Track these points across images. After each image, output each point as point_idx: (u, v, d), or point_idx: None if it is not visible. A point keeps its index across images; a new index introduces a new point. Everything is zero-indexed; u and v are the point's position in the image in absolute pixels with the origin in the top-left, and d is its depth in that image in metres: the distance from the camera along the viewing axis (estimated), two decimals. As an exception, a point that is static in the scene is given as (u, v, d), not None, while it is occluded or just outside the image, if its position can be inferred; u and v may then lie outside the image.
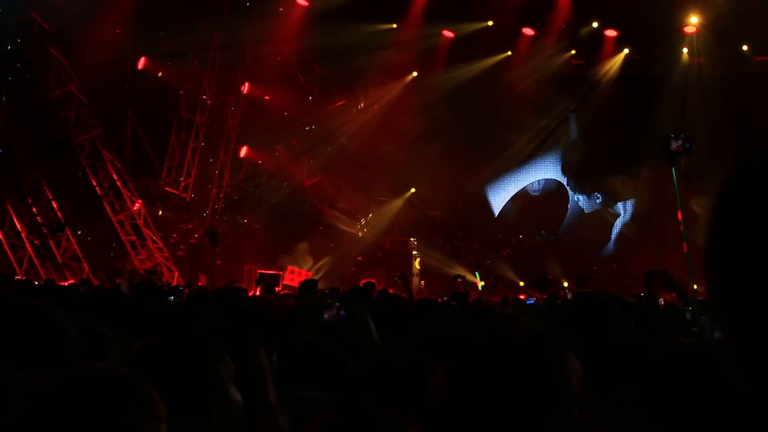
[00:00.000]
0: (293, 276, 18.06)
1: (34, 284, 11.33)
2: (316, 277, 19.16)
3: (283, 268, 20.04)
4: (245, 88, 20.85)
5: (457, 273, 15.51)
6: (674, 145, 5.49)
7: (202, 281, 18.48)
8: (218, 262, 18.35)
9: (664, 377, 1.66)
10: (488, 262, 19.92)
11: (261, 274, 17.62)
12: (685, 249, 5.69)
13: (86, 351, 2.38)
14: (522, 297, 10.86)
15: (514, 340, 1.71)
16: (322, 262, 21.16)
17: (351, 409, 1.54)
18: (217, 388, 1.89)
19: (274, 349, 3.11)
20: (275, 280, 17.08)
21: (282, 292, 13.51)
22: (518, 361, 1.65)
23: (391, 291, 11.03)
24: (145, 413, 1.40)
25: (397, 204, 22.43)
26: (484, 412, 1.62)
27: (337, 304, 3.35)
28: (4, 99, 18.70)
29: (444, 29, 20.37)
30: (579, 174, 22.34)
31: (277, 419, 2.14)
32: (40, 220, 19.11)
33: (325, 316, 3.32)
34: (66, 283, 14.91)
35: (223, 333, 2.14)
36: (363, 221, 22.72)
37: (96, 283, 14.80)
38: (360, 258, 21.77)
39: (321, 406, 2.56)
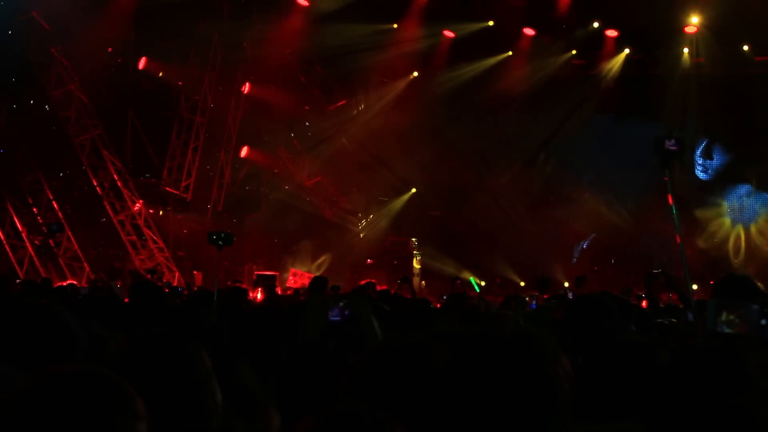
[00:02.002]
0: (296, 278, 18.08)
1: (37, 284, 11.30)
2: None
3: (284, 268, 20.07)
4: (245, 88, 20.85)
5: (456, 275, 15.54)
6: (668, 144, 5.50)
7: (198, 280, 18.47)
8: (225, 263, 18.38)
9: (674, 380, 1.65)
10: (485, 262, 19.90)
11: (258, 275, 17.65)
12: (678, 240, 5.67)
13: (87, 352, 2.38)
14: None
15: (501, 339, 1.70)
16: (322, 262, 21.17)
17: (338, 409, 1.54)
18: (202, 383, 1.89)
19: (283, 347, 3.10)
20: (272, 280, 17.10)
21: (287, 293, 13.52)
22: (504, 360, 1.64)
23: (392, 291, 11.03)
24: (124, 412, 1.41)
25: (397, 204, 22.44)
26: (471, 412, 1.61)
27: (342, 303, 3.34)
28: (4, 99, 18.70)
29: (444, 29, 20.37)
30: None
31: None
32: (40, 220, 19.11)
33: (330, 315, 3.31)
34: (64, 283, 14.90)
35: (160, 339, 2.02)
36: (363, 221, 22.74)
37: (99, 284, 14.78)
38: (361, 258, 21.76)
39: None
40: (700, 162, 21.92)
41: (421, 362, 1.86)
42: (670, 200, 5.70)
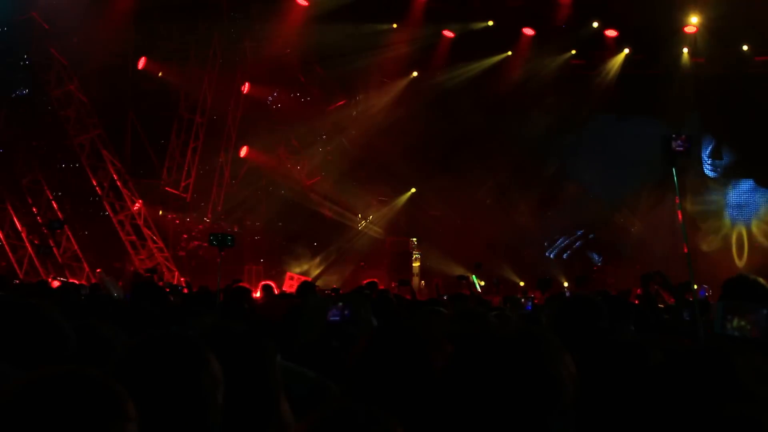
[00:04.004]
0: (292, 282, 18.05)
1: (34, 286, 11.29)
2: (317, 277, 19.24)
3: (283, 269, 20.08)
4: (245, 88, 20.85)
5: (462, 274, 15.44)
6: (674, 145, 5.45)
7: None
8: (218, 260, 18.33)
9: (667, 381, 1.65)
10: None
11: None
12: (685, 250, 5.67)
13: (88, 353, 2.38)
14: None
15: (505, 339, 1.70)
16: (322, 263, 21.16)
17: (338, 409, 1.55)
18: (208, 391, 1.89)
19: (277, 350, 3.11)
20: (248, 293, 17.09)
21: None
22: (508, 360, 1.64)
23: (391, 285, 10.99)
24: (113, 413, 1.41)
25: (397, 204, 22.44)
26: (474, 413, 1.61)
27: (341, 303, 3.34)
28: (4, 99, 18.70)
29: (444, 29, 20.37)
30: None
31: None
32: (40, 220, 19.11)
33: (329, 315, 3.31)
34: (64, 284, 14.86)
35: (238, 338, 2.10)
36: (363, 221, 22.73)
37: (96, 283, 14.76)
38: (361, 258, 21.75)
39: (305, 383, 2.57)
40: (708, 162, 22.02)
41: (426, 348, 1.87)
42: (680, 217, 5.71)
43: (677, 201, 5.69)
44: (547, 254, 22.90)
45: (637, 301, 8.59)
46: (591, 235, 22.81)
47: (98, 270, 12.74)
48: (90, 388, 1.42)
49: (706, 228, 21.22)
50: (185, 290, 11.98)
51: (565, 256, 23.04)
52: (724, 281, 3.80)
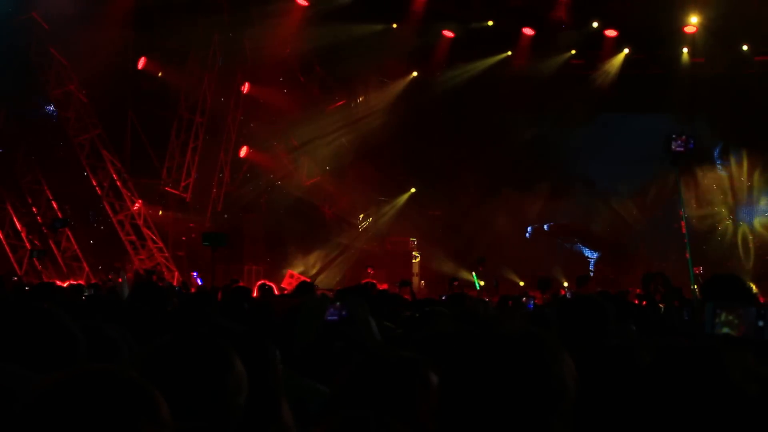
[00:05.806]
0: (292, 280, 18.06)
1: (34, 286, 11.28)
2: (317, 277, 19.24)
3: (282, 269, 20.07)
4: (245, 88, 20.85)
5: (453, 276, 15.54)
6: (674, 145, 5.43)
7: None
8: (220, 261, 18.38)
9: (659, 380, 1.65)
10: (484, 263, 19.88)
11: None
12: (687, 255, 5.67)
13: (94, 354, 2.38)
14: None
15: (508, 339, 1.70)
16: (321, 263, 21.16)
17: (349, 418, 1.55)
18: (232, 394, 1.89)
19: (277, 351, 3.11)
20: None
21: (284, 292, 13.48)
22: (511, 360, 1.64)
23: (389, 284, 10.98)
24: (146, 416, 1.38)
25: (397, 204, 22.45)
26: (476, 413, 1.62)
27: (338, 303, 3.34)
28: (4, 99, 18.69)
29: (444, 29, 20.39)
30: None
31: None
32: (40, 220, 19.12)
33: (327, 315, 3.31)
34: (65, 284, 14.88)
35: (238, 339, 2.09)
36: (363, 221, 22.74)
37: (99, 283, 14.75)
38: (360, 258, 21.76)
39: (319, 398, 2.57)
40: (719, 162, 22.20)
41: (408, 382, 1.88)
42: (683, 227, 5.71)
43: (683, 229, 5.69)
44: (527, 236, 22.97)
45: (636, 301, 8.61)
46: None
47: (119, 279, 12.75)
48: (130, 390, 1.39)
49: (704, 212, 21.43)
50: (183, 290, 11.97)
51: (559, 240, 23.16)
52: (703, 283, 3.79)
